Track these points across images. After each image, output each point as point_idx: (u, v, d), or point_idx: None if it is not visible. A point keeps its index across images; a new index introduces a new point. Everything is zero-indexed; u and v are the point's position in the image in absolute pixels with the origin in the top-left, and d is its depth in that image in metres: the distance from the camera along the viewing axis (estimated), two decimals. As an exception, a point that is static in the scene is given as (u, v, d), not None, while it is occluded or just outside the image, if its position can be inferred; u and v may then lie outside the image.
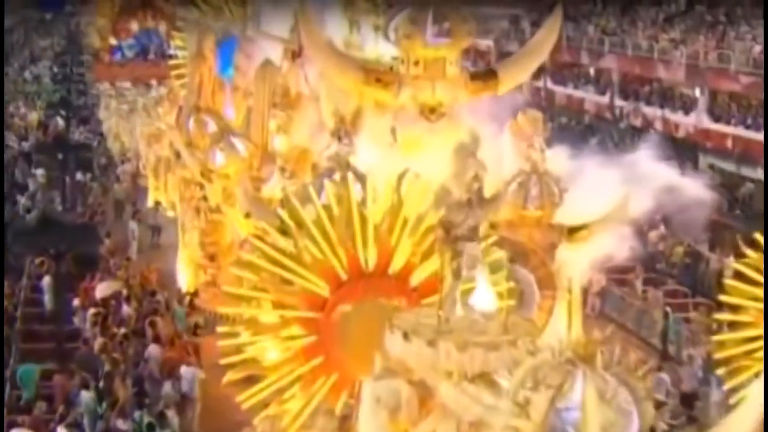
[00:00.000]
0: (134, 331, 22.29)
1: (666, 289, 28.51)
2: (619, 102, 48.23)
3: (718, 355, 16.39)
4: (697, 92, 43.69)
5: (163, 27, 61.51)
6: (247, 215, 21.16)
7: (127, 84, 58.28)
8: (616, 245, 18.45)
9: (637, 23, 48.93)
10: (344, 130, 17.91)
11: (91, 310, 22.56)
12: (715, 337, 16.92)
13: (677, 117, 43.90)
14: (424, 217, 13.77)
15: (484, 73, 21.03)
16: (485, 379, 10.52)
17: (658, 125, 44.47)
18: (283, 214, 14.53)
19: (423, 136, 19.58)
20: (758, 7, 41.81)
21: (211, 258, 25.54)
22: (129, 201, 37.09)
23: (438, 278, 11.48)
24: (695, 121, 42.44)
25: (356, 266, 13.93)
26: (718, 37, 42.73)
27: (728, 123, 40.79)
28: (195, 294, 25.23)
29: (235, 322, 14.93)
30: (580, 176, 18.60)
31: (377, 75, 20.10)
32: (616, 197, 17.94)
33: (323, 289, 13.84)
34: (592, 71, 52.00)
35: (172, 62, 35.88)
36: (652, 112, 45.49)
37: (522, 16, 58.00)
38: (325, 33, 21.62)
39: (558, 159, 19.03)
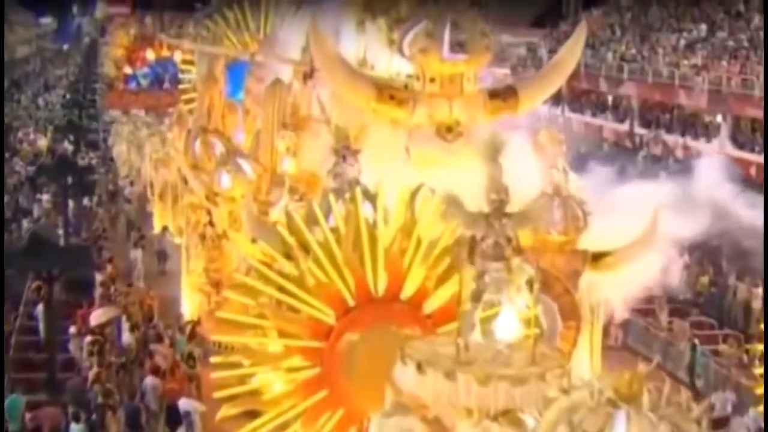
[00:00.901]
0: (133, 361, 21.02)
1: (691, 320, 27.13)
2: (638, 130, 46.95)
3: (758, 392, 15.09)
4: (720, 119, 42.42)
5: (178, 56, 61.23)
6: (254, 240, 20.10)
7: (140, 111, 57.90)
8: (664, 271, 17.28)
9: (656, 49, 47.73)
10: (348, 148, 16.91)
11: (88, 338, 21.29)
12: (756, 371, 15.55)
13: (699, 144, 42.57)
14: (440, 237, 12.51)
15: (503, 90, 19.88)
16: (510, 417, 9.25)
17: (679, 153, 43.14)
18: (284, 232, 13.30)
19: (439, 157, 18.42)
20: None
21: (216, 285, 24.36)
22: (134, 227, 36.09)
23: (456, 303, 10.24)
24: (718, 148, 41.07)
25: (365, 291, 12.64)
26: (741, 62, 41.45)
27: (752, 150, 39.39)
28: (197, 322, 23.99)
29: (233, 351, 13.66)
30: (614, 200, 17.57)
31: (391, 92, 19.07)
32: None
33: (328, 315, 12.55)
34: (610, 98, 50.78)
35: (182, 86, 35.30)
36: (673, 139, 44.20)
37: (539, 44, 56.93)
38: (337, 49, 20.47)
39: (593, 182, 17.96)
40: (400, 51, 19.66)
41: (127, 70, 71.78)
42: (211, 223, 25.48)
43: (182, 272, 27.28)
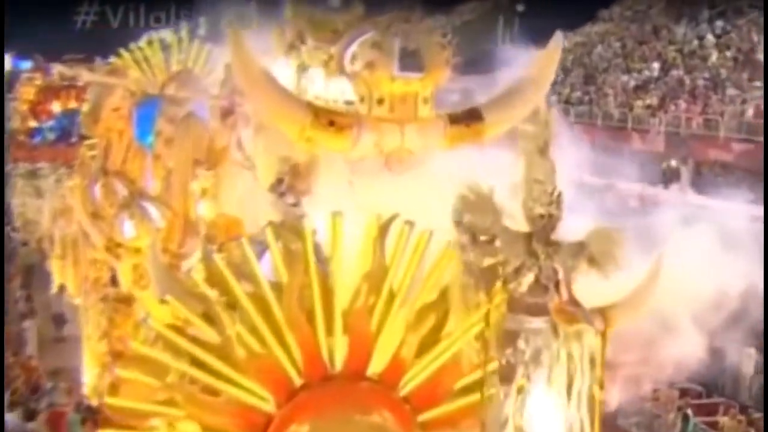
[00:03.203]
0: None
1: (678, 387, 24.00)
2: (588, 178, 44.27)
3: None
4: (679, 163, 39.82)
5: (87, 108, 58.68)
6: (163, 301, 16.94)
7: (42, 164, 54.98)
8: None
9: (605, 91, 45.28)
10: (283, 182, 14.13)
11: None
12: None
13: (656, 192, 39.80)
14: (423, 287, 9.15)
15: (466, 114, 16.72)
16: None
17: (634, 203, 40.29)
18: (200, 282, 9.89)
19: (390, 195, 15.08)
20: (744, 71, 38.58)
21: (119, 356, 20.89)
22: (28, 286, 32.87)
23: (446, 377, 6.88)
24: (677, 195, 38.31)
25: (317, 365, 9.17)
26: (702, 101, 39.08)
27: (717, 197, 36.65)
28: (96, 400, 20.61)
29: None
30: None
31: (330, 116, 15.58)
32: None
33: (266, 400, 9.05)
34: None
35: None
36: (627, 187, 41.35)
37: (474, 89, 54.46)
38: (265, 66, 17.21)
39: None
40: (340, 68, 16.46)
41: (32, 123, 69.02)
42: (113, 281, 22.30)
43: (81, 339, 24.09)
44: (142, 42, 28.04)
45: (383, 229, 9.60)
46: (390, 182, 15.23)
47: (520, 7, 69.06)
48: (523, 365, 6.47)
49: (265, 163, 17.24)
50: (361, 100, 15.62)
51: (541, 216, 6.69)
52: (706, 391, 24.16)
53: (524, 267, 6.61)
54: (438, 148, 15.58)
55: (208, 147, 20.18)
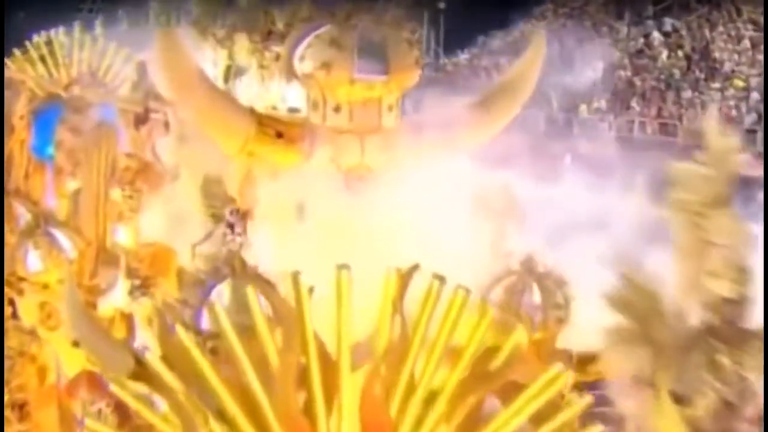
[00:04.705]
0: None
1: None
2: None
3: None
4: (633, 171, 39.21)
5: None
6: (76, 344, 15.21)
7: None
8: None
9: (546, 93, 44.62)
10: (238, 212, 12.73)
11: None
12: None
13: (609, 202, 39.08)
14: (460, 359, 7.24)
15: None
16: None
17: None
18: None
19: (351, 221, 13.44)
20: (701, 71, 38.11)
21: (20, 408, 19.16)
22: None
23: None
24: (633, 206, 37.64)
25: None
26: (657, 104, 38.50)
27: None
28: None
29: None
30: None
31: (278, 127, 14.54)
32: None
33: None
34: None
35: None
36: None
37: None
38: (199, 66, 15.67)
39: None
40: (289, 69, 15.12)
41: None
42: (13, 316, 20.63)
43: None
44: (39, 41, 26.81)
45: (402, 283, 7.50)
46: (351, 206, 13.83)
47: (441, 5, 68.84)
48: None
49: (191, 178, 15.93)
50: (314, 106, 14.53)
51: (728, 301, 4.76)
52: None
53: (703, 383, 4.67)
54: (405, 163, 14.21)
55: (126, 164, 18.90)
